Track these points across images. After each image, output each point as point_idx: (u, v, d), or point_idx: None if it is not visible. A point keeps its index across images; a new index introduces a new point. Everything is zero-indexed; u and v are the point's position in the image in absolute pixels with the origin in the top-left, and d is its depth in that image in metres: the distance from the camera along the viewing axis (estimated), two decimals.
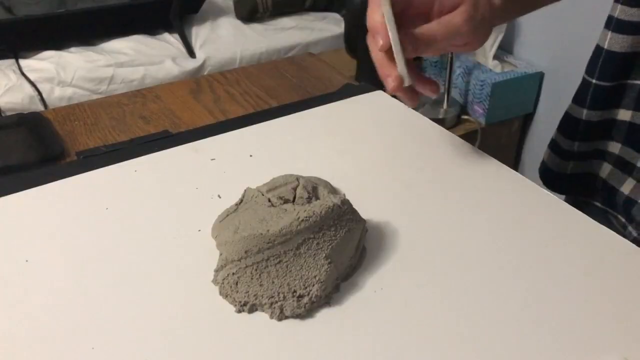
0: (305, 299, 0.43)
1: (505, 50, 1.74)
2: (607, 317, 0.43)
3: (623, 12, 0.60)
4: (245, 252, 0.44)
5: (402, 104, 0.72)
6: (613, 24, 0.61)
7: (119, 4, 1.66)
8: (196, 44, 1.71)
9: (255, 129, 0.66)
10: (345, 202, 0.47)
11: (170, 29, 1.73)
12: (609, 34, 0.62)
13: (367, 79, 0.89)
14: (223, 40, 1.76)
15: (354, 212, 0.48)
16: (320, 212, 0.44)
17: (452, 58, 1.59)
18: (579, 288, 0.46)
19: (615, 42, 0.61)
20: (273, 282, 0.43)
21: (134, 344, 0.40)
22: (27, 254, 0.48)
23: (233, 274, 0.44)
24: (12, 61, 1.51)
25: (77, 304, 0.43)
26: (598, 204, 0.70)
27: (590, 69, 0.65)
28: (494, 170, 0.60)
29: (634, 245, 0.50)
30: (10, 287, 0.45)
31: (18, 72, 1.48)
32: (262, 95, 0.76)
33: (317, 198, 0.50)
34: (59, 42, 1.59)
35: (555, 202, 0.55)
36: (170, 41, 1.71)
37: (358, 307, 0.44)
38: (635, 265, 0.48)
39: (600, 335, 0.42)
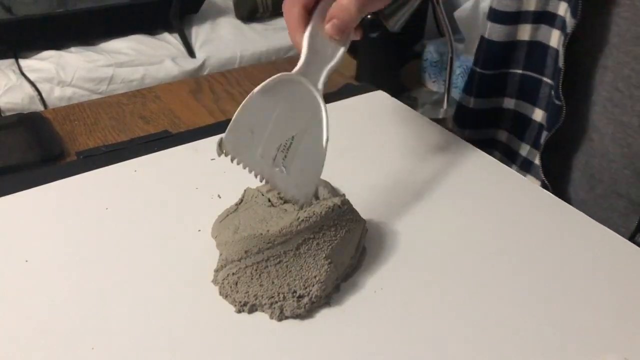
0: (305, 299, 0.43)
1: None
2: (607, 317, 0.43)
3: (499, 3, 0.62)
4: (245, 252, 0.44)
5: (402, 104, 0.72)
6: (492, 14, 0.63)
7: (119, 4, 1.66)
8: (196, 44, 1.71)
9: None
10: (345, 202, 0.47)
11: (170, 29, 1.73)
12: (489, 23, 0.63)
13: (367, 79, 0.89)
14: (223, 40, 1.76)
15: (353, 212, 0.48)
16: (321, 212, 0.44)
17: (452, 58, 1.58)
18: (578, 288, 0.46)
19: (494, 32, 0.63)
20: (273, 283, 0.43)
21: (134, 344, 0.40)
22: (27, 254, 0.48)
23: (233, 274, 0.44)
24: (12, 61, 1.50)
25: (77, 303, 0.43)
26: None
27: (475, 59, 0.67)
28: (494, 170, 0.60)
29: (634, 245, 0.50)
30: (10, 287, 0.45)
31: (18, 72, 1.47)
32: None
33: (317, 198, 0.50)
34: (59, 42, 1.59)
35: (556, 202, 0.56)
36: (170, 41, 1.70)
37: (358, 307, 0.44)
38: (635, 265, 0.48)
39: (600, 335, 0.42)
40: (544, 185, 0.61)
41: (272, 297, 0.43)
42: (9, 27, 1.53)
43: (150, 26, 1.72)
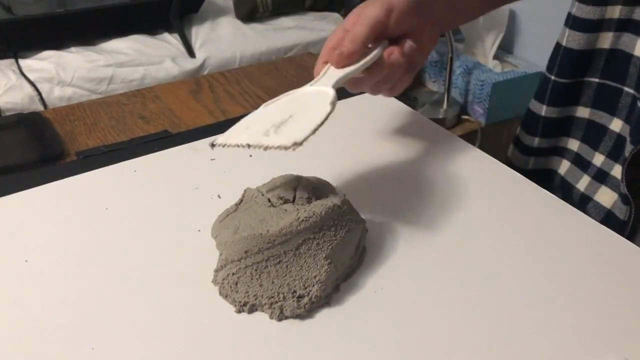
0: (305, 299, 0.43)
1: (505, 50, 1.74)
2: (607, 317, 0.43)
3: (579, 10, 0.61)
4: (245, 252, 0.44)
5: (402, 104, 0.72)
6: (570, 21, 0.62)
7: (119, 4, 1.65)
8: (196, 44, 1.71)
9: None
10: (345, 202, 0.47)
11: (170, 29, 1.73)
12: (567, 30, 0.62)
13: None
14: (223, 40, 1.76)
15: (353, 212, 0.48)
16: (321, 213, 0.44)
17: (452, 58, 1.58)
18: (579, 288, 0.46)
19: (573, 40, 0.62)
20: (273, 283, 0.43)
21: (133, 344, 0.40)
22: (27, 254, 0.48)
23: (233, 274, 0.44)
24: (11, 61, 1.50)
25: (77, 303, 0.43)
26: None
27: (550, 66, 0.66)
28: (494, 170, 0.60)
29: (634, 245, 0.50)
30: (10, 287, 0.45)
31: (18, 72, 1.47)
32: (262, 95, 0.76)
33: (317, 198, 0.50)
34: (59, 42, 1.59)
35: (556, 202, 0.56)
36: (170, 41, 1.70)
37: (358, 307, 0.44)
38: (635, 265, 0.48)
39: (600, 335, 0.42)
40: (624, 199, 0.59)
41: (272, 297, 0.43)
42: (9, 27, 1.53)
43: (150, 26, 1.72)
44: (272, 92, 0.78)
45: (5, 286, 0.45)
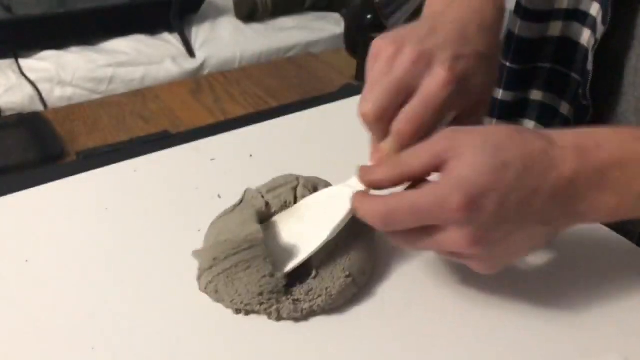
0: (305, 305, 0.42)
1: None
2: (607, 317, 0.43)
3: (530, 2, 0.61)
4: (214, 259, 0.43)
5: None
6: (521, 12, 0.62)
7: (119, 4, 1.66)
8: (196, 44, 1.71)
9: (255, 129, 0.66)
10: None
11: (170, 29, 1.73)
12: (518, 20, 0.63)
13: None
14: (223, 40, 1.76)
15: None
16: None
17: None
18: (578, 288, 0.46)
19: (524, 29, 0.63)
20: (248, 290, 0.42)
21: (133, 344, 0.40)
22: (27, 254, 0.48)
23: (210, 282, 0.43)
24: (12, 61, 1.50)
25: (76, 304, 0.43)
26: None
27: (503, 52, 0.66)
28: None
29: (634, 245, 0.50)
30: (10, 287, 0.45)
31: (18, 72, 1.47)
32: (262, 95, 0.77)
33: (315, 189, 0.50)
34: (59, 42, 1.59)
35: None
36: (170, 41, 1.70)
37: (358, 308, 0.44)
38: (635, 265, 0.48)
39: (600, 335, 0.42)
40: None
41: (262, 302, 0.42)
42: (9, 27, 1.53)
43: (150, 26, 1.72)
44: (272, 92, 0.78)
45: (5, 286, 0.45)
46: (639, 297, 0.45)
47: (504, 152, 0.37)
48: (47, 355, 0.39)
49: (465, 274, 0.47)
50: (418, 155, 0.38)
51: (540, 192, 0.37)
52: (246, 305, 0.42)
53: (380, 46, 0.44)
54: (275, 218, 0.48)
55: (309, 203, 0.47)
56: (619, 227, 0.52)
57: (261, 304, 0.42)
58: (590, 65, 0.55)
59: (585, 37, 0.59)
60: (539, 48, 0.64)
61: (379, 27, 1.58)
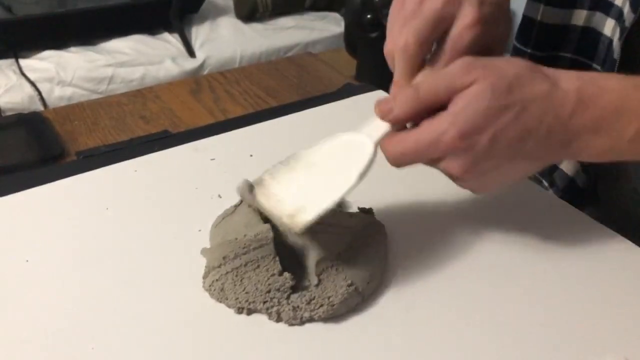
0: (305, 313, 0.42)
1: (505, 50, 1.74)
2: (607, 317, 0.43)
3: None
4: (223, 258, 0.43)
5: None
6: None
7: (119, 4, 1.66)
8: (196, 44, 1.71)
9: (255, 129, 0.66)
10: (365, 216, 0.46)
11: (170, 29, 1.73)
12: (541, 7, 0.62)
13: (367, 78, 0.89)
14: (223, 40, 1.76)
15: (373, 222, 0.47)
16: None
17: None
18: (579, 288, 0.46)
19: (548, 15, 0.62)
20: (257, 288, 0.42)
21: (133, 344, 0.40)
22: (27, 254, 0.48)
23: (216, 280, 0.43)
24: (12, 61, 1.51)
25: (76, 304, 0.43)
26: None
27: (524, 40, 0.66)
28: None
29: (634, 245, 0.50)
30: (10, 287, 0.45)
31: (18, 72, 1.48)
32: (262, 95, 0.76)
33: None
34: (59, 41, 1.59)
35: (556, 202, 0.56)
36: (170, 41, 1.71)
37: (359, 309, 0.44)
38: (635, 265, 0.48)
39: (600, 335, 0.42)
40: (584, 168, 0.62)
41: (266, 301, 0.42)
42: (9, 27, 1.53)
43: (150, 26, 1.72)
44: (272, 92, 0.78)
45: (5, 286, 0.45)
46: (639, 297, 0.45)
47: (508, 95, 0.39)
48: (47, 355, 0.39)
49: (461, 273, 0.47)
50: (436, 91, 0.41)
51: (535, 133, 0.40)
52: (250, 303, 0.42)
53: None
54: (281, 167, 0.45)
55: (322, 150, 0.44)
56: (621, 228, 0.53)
57: (265, 302, 0.42)
58: (617, 54, 0.54)
59: (609, 27, 0.59)
60: (561, 36, 0.63)
61: (379, 27, 1.58)
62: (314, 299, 0.42)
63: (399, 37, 0.44)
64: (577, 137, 0.40)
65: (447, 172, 0.42)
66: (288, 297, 0.42)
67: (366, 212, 0.50)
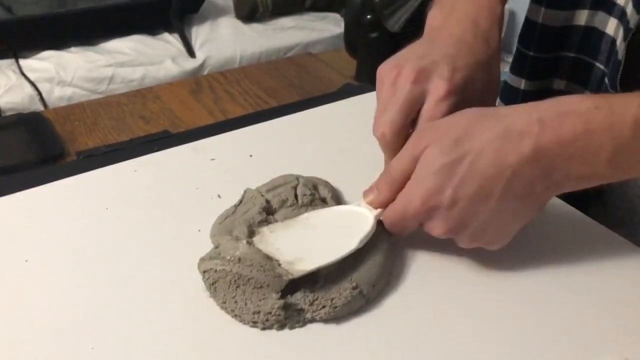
0: (307, 315, 0.42)
1: (505, 50, 1.74)
2: (607, 317, 0.43)
3: None
4: (235, 255, 0.43)
5: None
6: (545, 1, 0.62)
7: (119, 4, 1.66)
8: (196, 44, 1.71)
9: (255, 129, 0.66)
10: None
11: (170, 29, 1.73)
12: (542, 9, 0.63)
13: (367, 78, 0.89)
14: (223, 40, 1.76)
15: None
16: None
17: None
18: (579, 288, 0.46)
19: (549, 17, 0.63)
20: (245, 304, 0.42)
21: (133, 344, 0.40)
22: (27, 254, 0.48)
23: (215, 271, 0.43)
24: (12, 61, 1.51)
25: (76, 304, 0.43)
26: None
27: (525, 42, 0.66)
28: None
29: (634, 245, 0.50)
30: (10, 287, 0.45)
31: (18, 72, 1.48)
32: (262, 95, 0.77)
33: (320, 197, 0.50)
34: (59, 42, 1.59)
35: (556, 203, 0.56)
36: (170, 41, 1.71)
37: (359, 311, 0.44)
38: (635, 265, 0.48)
39: (600, 335, 0.42)
40: None
41: (256, 322, 0.41)
42: (9, 27, 1.53)
43: (150, 26, 1.72)
44: (272, 92, 0.78)
45: (5, 286, 0.45)
46: (639, 296, 0.45)
47: (457, 149, 0.40)
48: (47, 355, 0.39)
49: (461, 273, 0.47)
50: (403, 167, 0.43)
51: (499, 174, 0.40)
52: (236, 315, 0.42)
53: (384, 71, 0.48)
54: (279, 223, 0.47)
55: (321, 215, 0.47)
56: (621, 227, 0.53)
57: (254, 322, 0.41)
58: (621, 55, 0.54)
59: (612, 27, 0.59)
60: (564, 37, 0.63)
61: (379, 27, 1.58)
62: (317, 299, 0.42)
63: (378, 127, 0.47)
64: (553, 165, 0.40)
65: (433, 234, 0.43)
66: (289, 307, 0.41)
67: None
